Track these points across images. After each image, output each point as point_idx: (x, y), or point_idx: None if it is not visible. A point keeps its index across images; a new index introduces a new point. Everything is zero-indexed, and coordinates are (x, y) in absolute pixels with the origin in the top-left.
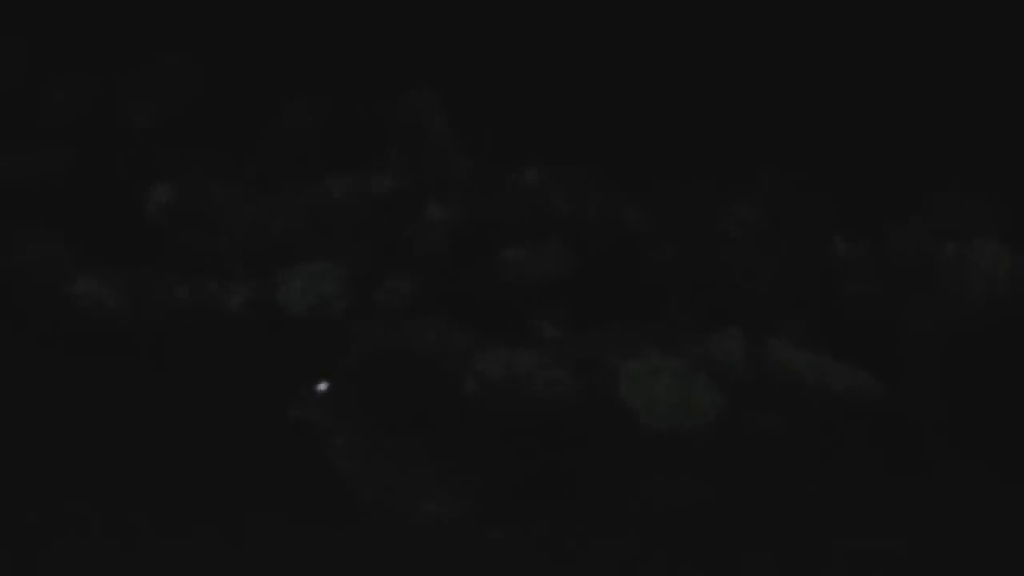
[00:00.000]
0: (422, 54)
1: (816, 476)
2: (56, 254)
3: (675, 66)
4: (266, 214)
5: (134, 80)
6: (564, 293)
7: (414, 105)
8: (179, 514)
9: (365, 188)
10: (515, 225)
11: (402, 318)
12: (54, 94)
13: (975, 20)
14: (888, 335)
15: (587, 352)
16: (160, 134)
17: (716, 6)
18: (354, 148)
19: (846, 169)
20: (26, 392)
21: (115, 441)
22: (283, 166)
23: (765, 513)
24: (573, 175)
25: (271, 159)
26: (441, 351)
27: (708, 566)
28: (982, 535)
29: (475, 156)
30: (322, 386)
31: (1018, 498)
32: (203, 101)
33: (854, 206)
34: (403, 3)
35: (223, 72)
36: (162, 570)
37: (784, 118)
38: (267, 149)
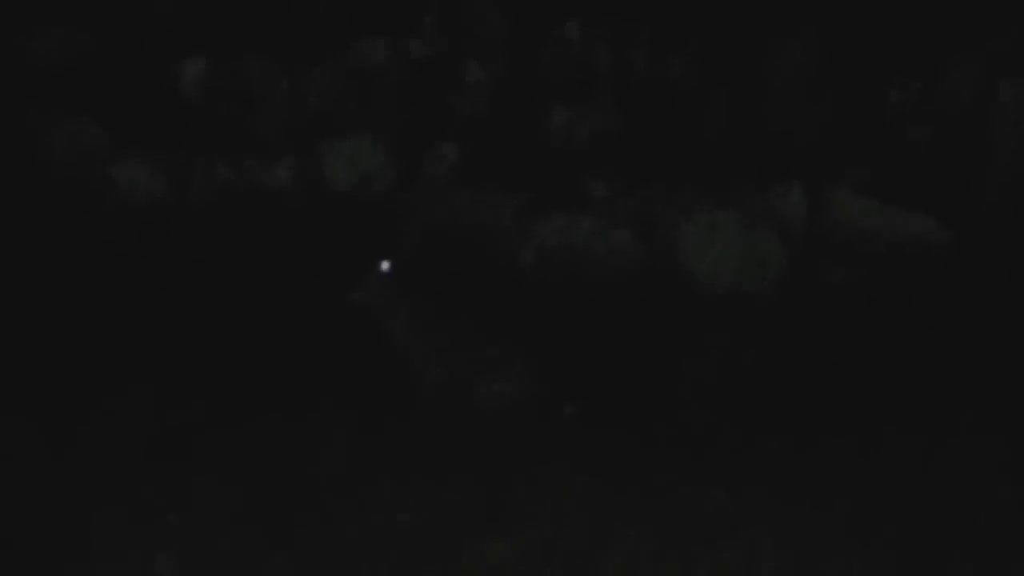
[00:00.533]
0: None
1: (886, 331)
2: (93, 138)
3: None
4: (303, 86)
5: None
6: (613, 151)
7: None
8: (240, 403)
9: (403, 53)
10: (559, 83)
11: (451, 188)
12: None
13: None
14: (949, 179)
15: (643, 213)
16: (188, 10)
17: None
18: (388, 12)
19: (895, 11)
20: (72, 279)
21: (166, 327)
22: (316, 35)
23: (835, 373)
24: (615, 29)
25: (303, 29)
26: (494, 221)
27: (782, 430)
28: None
29: (513, 14)
30: (380, 268)
31: None
32: None
33: (905, 49)
34: None
35: None
36: (226, 457)
37: None
38: (298, 19)
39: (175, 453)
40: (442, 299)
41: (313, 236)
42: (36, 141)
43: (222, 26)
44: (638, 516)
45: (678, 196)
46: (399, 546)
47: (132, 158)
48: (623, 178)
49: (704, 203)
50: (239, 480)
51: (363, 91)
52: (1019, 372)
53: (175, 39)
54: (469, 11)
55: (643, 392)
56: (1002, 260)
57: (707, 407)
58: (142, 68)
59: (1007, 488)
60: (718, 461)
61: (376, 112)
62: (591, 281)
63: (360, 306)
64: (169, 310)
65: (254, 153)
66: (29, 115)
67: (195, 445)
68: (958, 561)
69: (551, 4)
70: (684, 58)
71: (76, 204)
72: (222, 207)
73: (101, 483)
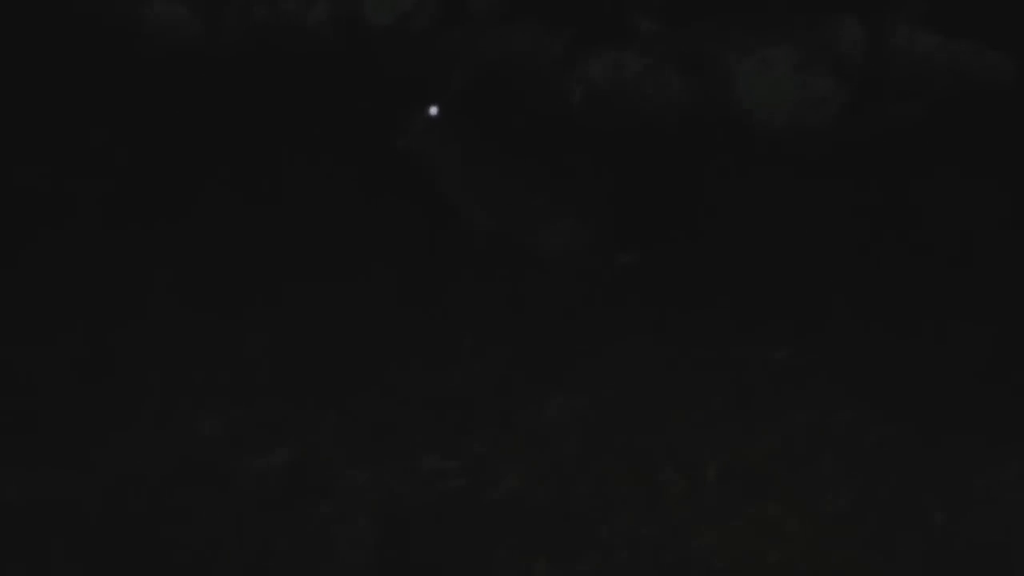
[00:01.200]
0: None
1: (953, 172)
2: None
3: None
4: None
5: None
6: None
7: None
8: (285, 261)
9: None
10: None
11: (494, 24)
12: None
13: None
14: (1015, 8)
15: (694, 48)
16: None
17: None
18: None
19: None
20: (100, 131)
21: (202, 181)
22: None
23: (900, 219)
24: None
25: None
26: (540, 58)
27: (844, 288)
28: None
29: None
30: (427, 112)
31: None
32: None
33: None
34: None
35: None
36: (273, 317)
37: None
38: None
39: (220, 313)
40: (492, 145)
41: (354, 78)
42: None
43: None
44: (692, 376)
45: (729, 32)
46: (452, 406)
47: None
48: (672, 12)
49: (757, 38)
50: (286, 341)
51: None
52: None
53: None
54: None
55: (700, 241)
56: None
57: (765, 260)
58: None
59: None
60: (775, 320)
61: None
62: (643, 120)
63: (407, 152)
64: (205, 162)
65: None
66: None
67: (242, 305)
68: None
69: None
70: None
71: (109, 43)
72: (259, 50)
73: (147, 347)
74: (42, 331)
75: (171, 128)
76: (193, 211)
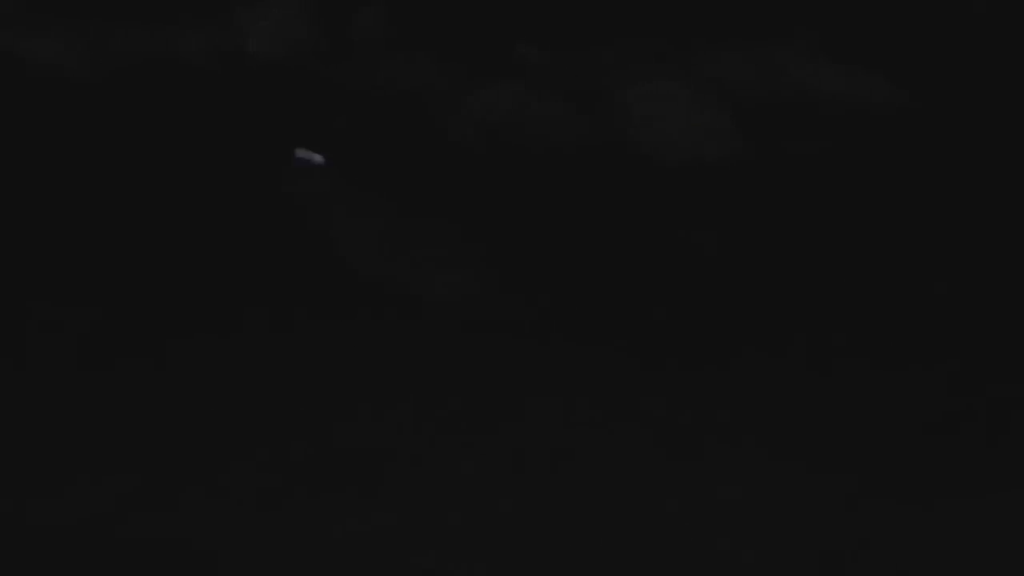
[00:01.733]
0: None
1: (848, 207)
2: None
3: None
4: None
5: None
6: (548, 13)
7: None
8: (165, 316)
9: None
10: None
11: (381, 58)
12: None
13: None
14: (899, 37)
15: (582, 80)
16: None
17: None
18: None
19: None
20: None
21: (79, 223)
22: None
23: (800, 254)
24: None
25: None
26: (427, 93)
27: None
28: None
29: None
30: (313, 155)
31: None
32: None
33: None
34: None
35: None
36: (152, 383)
37: None
38: None
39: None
40: (381, 189)
41: (237, 114)
42: None
43: None
44: (601, 428)
45: (617, 63)
46: (360, 474)
47: (44, 33)
48: (560, 42)
49: (646, 70)
50: (166, 404)
51: None
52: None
53: None
54: None
55: (593, 283)
56: (958, 120)
57: (673, 300)
58: None
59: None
60: (688, 365)
61: None
62: (533, 157)
63: (291, 196)
64: (82, 204)
65: (169, 21)
66: None
67: (118, 369)
68: None
69: None
70: None
71: None
72: (137, 82)
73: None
74: None
75: (48, 166)
76: (63, 263)
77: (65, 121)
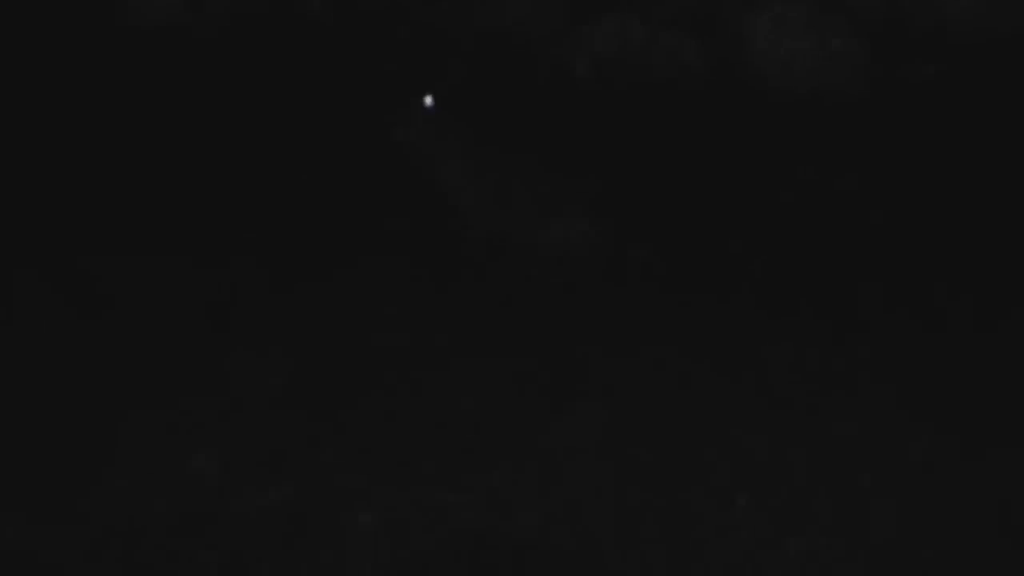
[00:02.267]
0: None
1: (984, 144)
2: None
3: None
4: None
5: None
6: None
7: None
8: (274, 265)
9: None
10: None
11: None
12: None
13: None
14: None
15: (701, 6)
16: None
17: None
18: None
19: None
20: (79, 120)
21: (187, 174)
22: None
23: (928, 197)
24: None
25: None
26: (539, 29)
27: (874, 264)
28: None
29: None
30: (424, 102)
31: None
32: None
33: None
34: None
35: None
36: (264, 331)
37: None
38: None
39: (207, 327)
40: (493, 137)
41: (345, 57)
42: None
43: None
44: (717, 384)
45: None
46: (460, 432)
47: None
48: None
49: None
50: (278, 357)
51: None
52: None
53: None
54: None
55: (716, 229)
56: None
57: (789, 247)
58: None
59: None
60: (804, 317)
61: None
62: (654, 92)
63: (403, 145)
64: (190, 154)
65: None
66: None
67: (231, 316)
68: None
69: None
70: None
71: (91, 24)
72: (244, 26)
73: (127, 368)
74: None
75: (152, 117)
76: (171, 213)
77: (187, 75)
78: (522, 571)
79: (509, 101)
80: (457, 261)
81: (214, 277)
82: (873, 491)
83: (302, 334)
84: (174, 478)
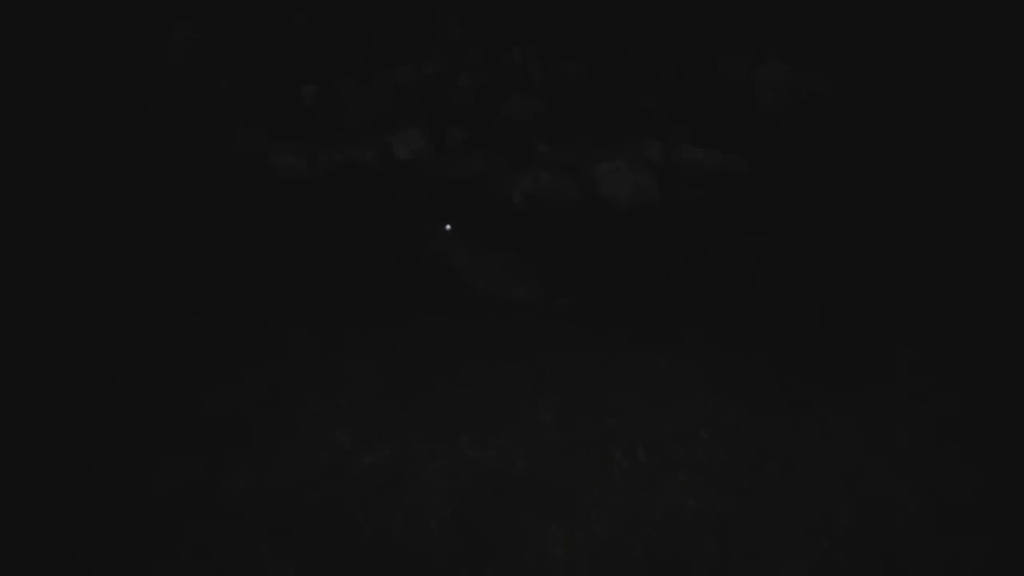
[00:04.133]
0: None
1: (726, 226)
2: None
3: None
4: (373, 98)
5: None
6: (544, 125)
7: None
8: (369, 315)
9: (424, 73)
10: (512, 84)
11: (462, 154)
12: None
13: None
14: (749, 132)
15: (572, 161)
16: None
17: None
18: (407, 45)
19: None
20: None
21: (316, 262)
22: (368, 61)
23: (702, 253)
24: (541, 49)
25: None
26: (490, 174)
27: (688, 303)
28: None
29: (480, 45)
30: (445, 228)
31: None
32: None
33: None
34: None
35: None
36: (379, 356)
37: None
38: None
39: (335, 354)
40: (483, 243)
41: (391, 195)
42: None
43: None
44: (621, 376)
45: (586, 149)
46: (481, 412)
47: (282, 149)
48: (555, 139)
49: (602, 152)
50: (380, 372)
51: (402, 97)
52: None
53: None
54: (455, 41)
55: (601, 287)
56: (787, 182)
57: (631, 288)
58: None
59: None
60: (657, 338)
61: (412, 110)
62: (556, 212)
63: (436, 252)
64: (315, 256)
65: (351, 143)
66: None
67: (348, 353)
68: None
69: (503, 34)
70: (581, 65)
71: (247, 180)
72: (338, 182)
73: (300, 388)
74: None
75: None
76: (304, 286)
77: (289, 209)
78: (521, 496)
79: (489, 222)
80: (467, 309)
81: (340, 327)
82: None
83: (395, 360)
84: (328, 444)
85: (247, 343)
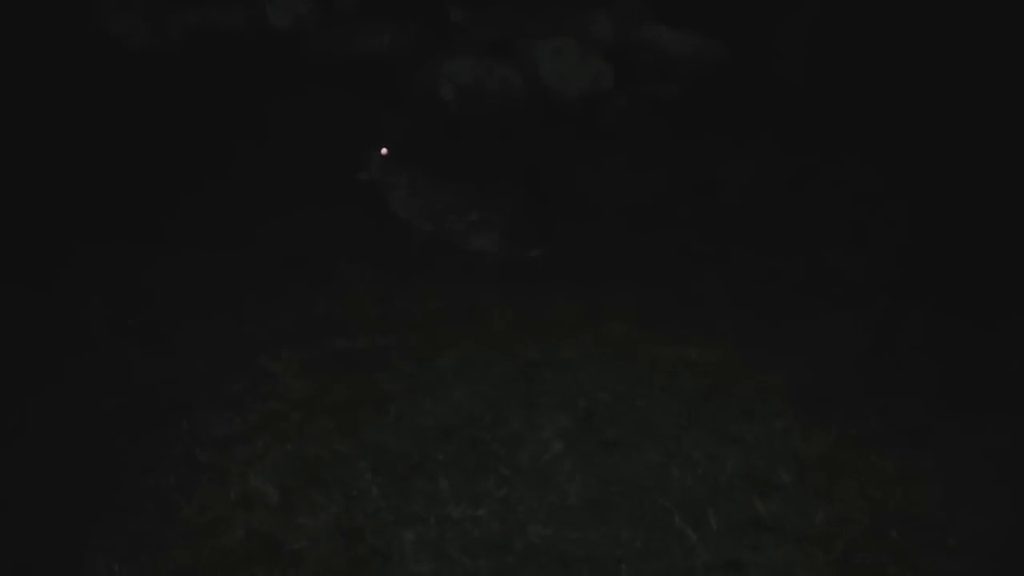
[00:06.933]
0: None
1: (698, 131)
2: None
3: None
4: None
5: None
6: None
7: None
8: (268, 254)
9: None
10: None
11: (356, 22)
12: None
13: None
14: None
15: (501, 35)
16: None
17: None
18: None
19: None
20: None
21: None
22: None
23: (663, 161)
24: None
25: None
26: (397, 54)
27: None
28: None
29: None
30: (380, 153)
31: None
32: None
33: None
34: None
35: None
36: (264, 306)
37: None
38: None
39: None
40: (428, 172)
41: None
42: None
43: None
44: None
45: (517, 20)
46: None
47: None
48: (474, 7)
49: (538, 28)
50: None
51: None
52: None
53: None
54: None
55: (580, 224)
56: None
57: (637, 233)
58: None
59: None
60: (626, 280)
61: None
62: (497, 111)
63: (367, 183)
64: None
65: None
66: None
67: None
68: None
69: None
70: None
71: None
72: (192, 50)
73: None
74: None
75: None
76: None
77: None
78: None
79: (423, 135)
80: (404, 255)
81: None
82: None
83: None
84: None
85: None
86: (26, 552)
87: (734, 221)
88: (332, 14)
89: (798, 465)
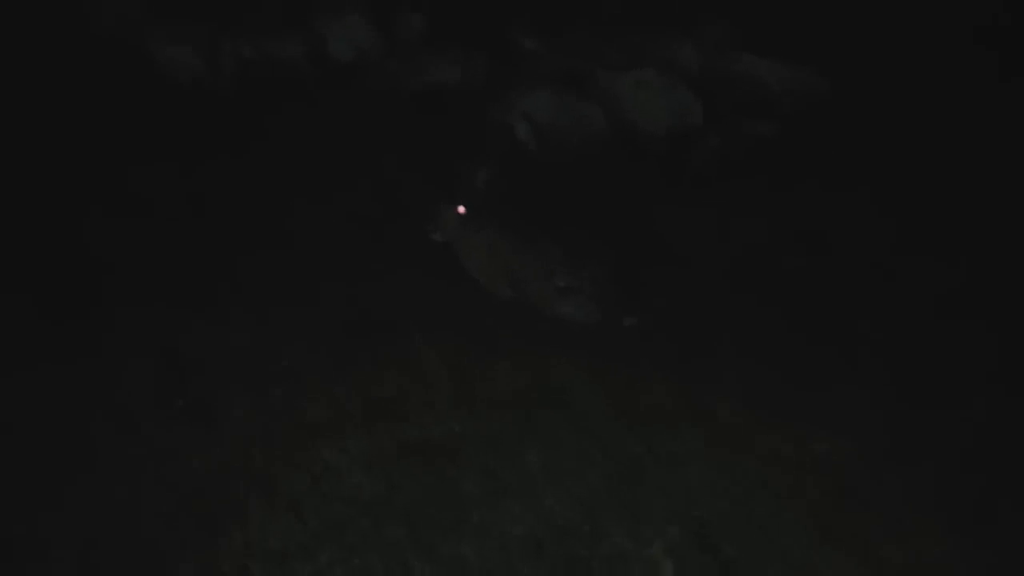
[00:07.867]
0: None
1: (800, 175)
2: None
3: None
4: None
5: None
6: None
7: None
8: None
9: None
10: None
11: (421, 52)
12: None
13: None
14: (830, 37)
15: (576, 65)
16: None
17: None
18: None
19: None
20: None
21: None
22: None
23: (763, 209)
24: None
25: None
26: (469, 85)
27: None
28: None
29: None
30: (456, 211)
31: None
32: None
33: None
34: None
35: None
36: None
37: None
38: None
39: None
40: (507, 230)
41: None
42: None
43: None
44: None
45: (594, 49)
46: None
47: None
48: (544, 30)
49: (617, 57)
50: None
51: None
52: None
53: None
54: None
55: (675, 304)
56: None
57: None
58: None
59: None
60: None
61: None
62: (577, 151)
63: (441, 243)
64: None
65: (268, 31)
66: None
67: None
68: None
69: None
70: None
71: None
72: (247, 80)
73: None
74: None
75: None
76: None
77: (189, 117)
78: None
79: (501, 180)
80: (488, 323)
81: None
82: None
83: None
84: None
85: None
86: None
87: (850, 280)
88: (396, 44)
89: None
